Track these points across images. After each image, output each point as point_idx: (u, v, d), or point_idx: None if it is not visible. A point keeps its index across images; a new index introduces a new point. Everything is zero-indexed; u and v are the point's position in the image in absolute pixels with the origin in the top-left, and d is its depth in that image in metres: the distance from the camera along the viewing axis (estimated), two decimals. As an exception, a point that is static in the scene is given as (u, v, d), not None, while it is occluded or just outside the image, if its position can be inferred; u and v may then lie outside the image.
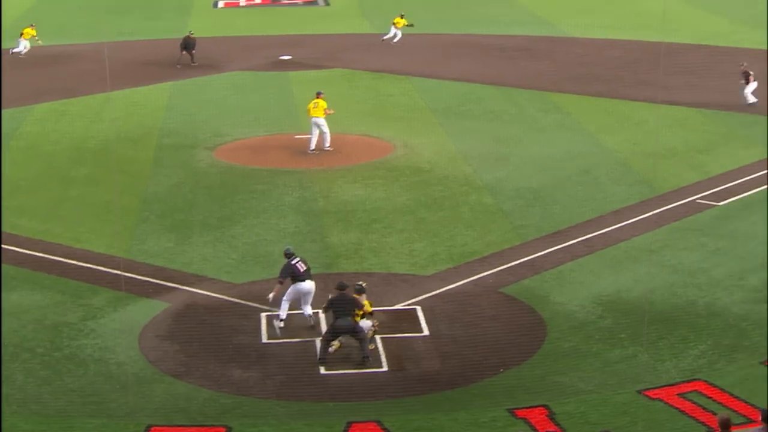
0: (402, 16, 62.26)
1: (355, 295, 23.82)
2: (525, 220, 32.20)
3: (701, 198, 34.06)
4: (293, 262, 25.13)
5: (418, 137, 41.50)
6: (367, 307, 23.92)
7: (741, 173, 36.47)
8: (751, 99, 45.67)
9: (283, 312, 24.98)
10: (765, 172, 36.59)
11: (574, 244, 30.23)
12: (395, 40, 61.23)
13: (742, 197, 34.09)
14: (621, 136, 41.43)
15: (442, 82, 51.67)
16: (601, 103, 47.07)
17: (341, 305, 23.39)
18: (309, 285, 24.97)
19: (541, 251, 29.65)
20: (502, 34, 64.40)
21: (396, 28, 61.52)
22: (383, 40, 61.35)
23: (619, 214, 32.54)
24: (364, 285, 24.42)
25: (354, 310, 23.43)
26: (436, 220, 32.42)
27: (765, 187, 34.99)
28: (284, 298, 25.01)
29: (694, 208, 33.18)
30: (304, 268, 25.04)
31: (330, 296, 23.97)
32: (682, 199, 33.88)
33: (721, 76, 51.39)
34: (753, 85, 45.90)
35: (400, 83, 51.64)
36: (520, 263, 28.88)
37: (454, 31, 65.72)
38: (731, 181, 35.57)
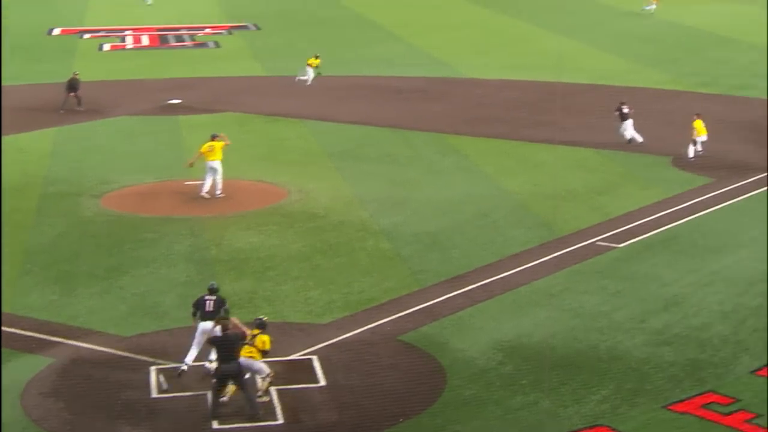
0: (316, 57, 62.63)
1: (255, 331, 23.84)
2: (423, 266, 32.34)
3: (601, 240, 34.55)
4: (205, 297, 25.26)
5: (313, 182, 41.54)
6: (267, 345, 23.79)
7: (640, 214, 37.11)
8: (637, 137, 46.61)
9: (189, 357, 24.87)
10: (665, 212, 37.31)
11: (473, 289, 30.43)
12: (302, 79, 61.58)
13: (642, 239, 34.66)
14: (520, 178, 41.93)
15: (337, 125, 51.85)
16: (499, 145, 47.63)
17: (224, 347, 23.20)
18: (209, 326, 24.69)
19: (439, 297, 29.79)
20: (399, 76, 64.90)
21: (311, 68, 61.86)
22: (298, 80, 61.47)
23: (518, 258, 32.85)
24: (265, 319, 24.52)
25: (239, 349, 23.29)
26: (332, 266, 32.40)
27: (665, 228, 35.68)
28: (193, 341, 24.94)
29: (594, 250, 33.64)
30: (211, 309, 24.98)
31: (212, 336, 23.90)
32: (583, 242, 34.34)
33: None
34: (629, 123, 46.92)
35: (295, 127, 51.70)
36: (418, 310, 28.97)
37: (349, 72, 66.05)
38: (631, 223, 36.17)
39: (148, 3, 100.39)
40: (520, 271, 31.81)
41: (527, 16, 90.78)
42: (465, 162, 44.79)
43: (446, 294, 30.02)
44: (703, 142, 44.88)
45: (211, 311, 24.94)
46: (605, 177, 42.23)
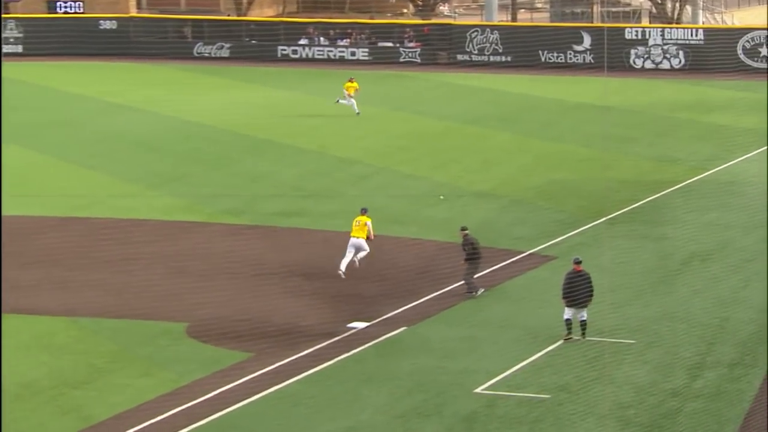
0: None
1: None
2: None
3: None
4: None
5: None
6: None
7: (137, 416, 36.99)
8: None
9: None
10: (178, 410, 37.39)
11: None
12: None
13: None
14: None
15: None
16: None
17: None
18: None
19: None
20: None
21: None
22: None
23: None
24: None
25: None
26: None
27: (180, 432, 35.97)
28: None
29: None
30: None
31: None
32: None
33: (106, 266, 52.10)
34: None
35: None
36: None
37: None
38: (123, 430, 36.01)
39: None
40: None
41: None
42: None
43: None
44: (357, 247, 48.68)
45: None
46: (84, 359, 42.01)
